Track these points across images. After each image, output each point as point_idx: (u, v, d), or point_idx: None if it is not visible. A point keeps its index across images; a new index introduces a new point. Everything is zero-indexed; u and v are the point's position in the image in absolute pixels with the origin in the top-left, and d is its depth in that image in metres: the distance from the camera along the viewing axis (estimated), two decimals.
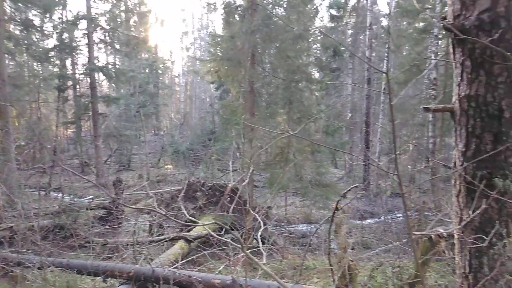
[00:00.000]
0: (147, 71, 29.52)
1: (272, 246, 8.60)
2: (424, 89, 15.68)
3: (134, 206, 8.17)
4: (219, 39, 9.59)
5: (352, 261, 6.33)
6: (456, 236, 2.52)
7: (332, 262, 5.15)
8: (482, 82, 1.97)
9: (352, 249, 10.70)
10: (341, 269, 6.00)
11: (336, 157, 23.70)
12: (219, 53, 9.56)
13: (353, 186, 3.26)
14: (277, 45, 8.74)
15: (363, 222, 13.62)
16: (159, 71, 32.94)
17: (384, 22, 20.40)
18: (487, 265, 2.27)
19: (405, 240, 8.71)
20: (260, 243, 4.51)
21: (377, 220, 13.99)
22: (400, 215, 14.01)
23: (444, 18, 2.10)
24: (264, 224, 9.37)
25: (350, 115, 21.66)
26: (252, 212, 8.54)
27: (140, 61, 27.85)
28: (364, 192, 17.78)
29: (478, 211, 2.11)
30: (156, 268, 5.00)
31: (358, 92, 19.74)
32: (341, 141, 14.11)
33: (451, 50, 2.12)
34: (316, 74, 17.73)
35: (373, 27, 16.64)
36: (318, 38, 15.78)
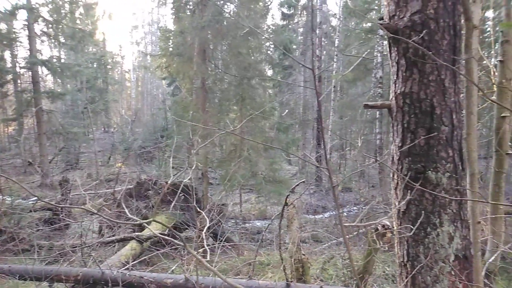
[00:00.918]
0: (95, 65, 28.31)
1: (226, 243, 8.60)
2: (372, 87, 16.37)
3: (78, 207, 7.78)
4: (169, 34, 9.38)
5: (304, 255, 6.50)
6: (395, 227, 2.65)
7: (283, 257, 5.25)
8: (415, 80, 2.07)
9: (305, 243, 11.00)
10: (294, 263, 6.14)
11: (290, 153, 24.03)
12: (170, 48, 9.35)
13: (301, 181, 3.32)
14: (229, 41, 8.71)
15: (316, 216, 13.95)
16: (108, 66, 31.72)
17: (334, 22, 21.07)
18: (423, 254, 2.39)
19: (355, 233, 9.04)
20: (212, 240, 4.50)
21: (329, 214, 14.39)
22: (351, 209, 14.53)
23: (382, 19, 2.19)
24: (219, 222, 9.38)
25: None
26: (206, 210, 8.50)
27: (87, 55, 26.67)
28: (316, 187, 18.24)
29: (403, 202, 2.22)
30: (106, 270, 4.86)
31: (310, 89, 20.20)
32: (293, 138, 14.35)
33: (387, 49, 2.21)
34: (269, 72, 17.95)
35: (323, 26, 17.12)
36: (271, 35, 15.96)
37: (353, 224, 3.04)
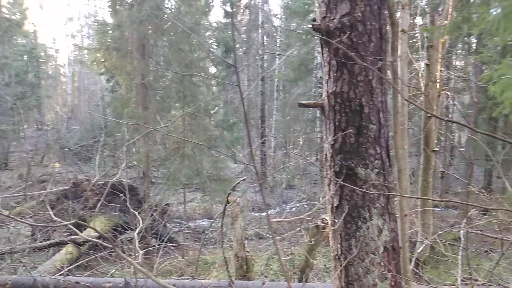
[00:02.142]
0: (25, 58, 26.28)
1: (169, 244, 8.41)
2: (313, 86, 16.87)
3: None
4: (106, 27, 8.94)
5: (248, 252, 6.53)
6: (329, 222, 2.74)
7: (228, 255, 5.24)
8: (345, 80, 2.15)
9: (251, 240, 11.07)
10: (239, 261, 6.15)
11: (236, 152, 24.11)
12: (107, 42, 8.92)
13: (241, 179, 3.32)
14: (170, 37, 8.49)
15: (261, 214, 14.09)
16: (40, 60, 29.58)
17: (276, 22, 21.40)
18: (355, 246, 2.49)
19: (298, 229, 9.24)
20: (156, 241, 4.37)
21: (274, 211, 14.59)
22: (295, 205, 14.83)
23: (315, 20, 2.24)
24: (162, 222, 9.12)
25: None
26: (147, 210, 8.24)
27: (15, 46, 24.66)
28: (262, 185, 18.39)
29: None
30: (38, 277, 4.55)
31: (254, 88, 20.36)
32: (237, 136, 14.40)
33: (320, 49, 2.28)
34: (212, 70, 17.82)
35: (265, 25, 17.36)
36: (215, 33, 15.88)
37: (279, 219, 3.05)
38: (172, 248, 8.73)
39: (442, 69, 5.45)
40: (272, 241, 10.09)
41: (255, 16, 18.28)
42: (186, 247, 9.41)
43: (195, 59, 9.16)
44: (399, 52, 5.31)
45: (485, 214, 9.29)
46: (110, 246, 1.79)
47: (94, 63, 9.19)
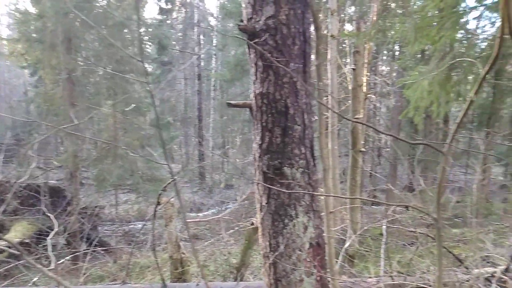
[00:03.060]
0: None
1: (100, 248, 8.00)
2: (249, 87, 16.94)
3: None
4: (28, 17, 8.23)
5: (184, 253, 6.40)
6: (259, 221, 2.77)
7: (163, 257, 5.10)
8: (271, 82, 2.20)
9: (188, 241, 10.88)
10: (174, 263, 6.00)
11: (173, 151, 23.67)
12: (29, 33, 8.22)
13: (172, 180, 3.22)
14: (99, 31, 8.03)
15: (199, 214, 13.95)
16: None
17: (212, 21, 21.20)
18: (282, 244, 2.55)
19: (237, 228, 9.25)
20: (86, 245, 4.12)
21: (212, 211, 14.51)
22: (232, 205, 14.86)
23: (242, 20, 2.26)
24: (93, 225, 8.63)
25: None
26: (74, 213, 7.76)
27: None
28: (199, 185, 18.22)
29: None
30: None
31: (191, 87, 20.04)
32: (171, 135, 14.07)
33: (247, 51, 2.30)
34: (147, 67, 17.19)
35: (201, 24, 17.18)
36: (149, 29, 15.33)
37: (196, 219, 3.01)
38: (103, 252, 8.33)
39: (368, 74, 5.81)
40: (210, 241, 10.05)
41: (191, 15, 18.00)
42: (120, 251, 9.04)
43: (127, 55, 8.76)
44: (328, 56, 5.58)
45: (408, 210, 10.04)
46: (22, 253, 1.65)
47: (14, 54, 8.42)
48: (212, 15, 20.58)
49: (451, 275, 4.74)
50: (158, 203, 4.14)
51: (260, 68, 2.21)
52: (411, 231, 5.48)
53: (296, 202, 2.46)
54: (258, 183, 2.57)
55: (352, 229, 7.45)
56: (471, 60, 1.84)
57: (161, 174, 12.23)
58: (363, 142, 6.59)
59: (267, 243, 2.64)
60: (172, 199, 5.79)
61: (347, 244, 5.72)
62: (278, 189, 2.33)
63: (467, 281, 4.36)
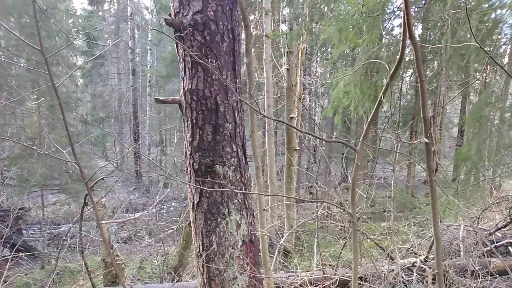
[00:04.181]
0: None
1: (24, 254, 7.43)
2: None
3: None
4: None
5: (118, 256, 6.14)
6: (191, 220, 2.73)
7: (87, 262, 4.82)
8: (200, 78, 2.16)
9: (125, 243, 10.46)
10: (106, 266, 5.72)
11: (107, 149, 22.66)
12: None
13: (99, 179, 3.07)
14: (18, 19, 7.36)
15: (136, 214, 13.50)
16: None
17: (147, 15, 20.47)
18: (216, 242, 2.53)
19: (176, 228, 9.07)
20: (9, 251, 3.74)
21: (151, 211, 14.10)
22: (172, 205, 14.56)
23: (170, 15, 2.19)
24: (17, 229, 7.93)
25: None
26: None
27: None
28: (136, 184, 17.62)
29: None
30: None
31: (125, 82, 19.20)
32: (104, 132, 13.40)
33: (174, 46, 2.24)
34: (78, 61, 16.17)
35: (135, 17, 16.51)
36: (80, 20, 14.42)
37: (110, 221, 2.96)
38: (27, 258, 7.74)
39: (302, 74, 5.98)
40: (147, 242, 9.75)
41: (124, 7, 17.19)
42: (48, 256, 8.45)
43: (53, 46, 8.14)
44: (264, 56, 5.64)
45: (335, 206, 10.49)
46: None
47: None
48: (146, 8, 19.87)
49: (379, 266, 5.06)
50: (85, 204, 3.93)
51: (189, 64, 2.16)
52: (342, 225, 5.76)
53: (228, 200, 2.46)
54: (190, 181, 2.53)
55: (289, 225, 7.65)
56: (381, 62, 1.96)
57: (93, 173, 11.56)
58: (297, 141, 6.79)
59: (200, 242, 2.61)
60: (103, 200, 5.52)
61: (282, 240, 5.86)
62: (210, 188, 2.30)
63: (392, 271, 4.68)
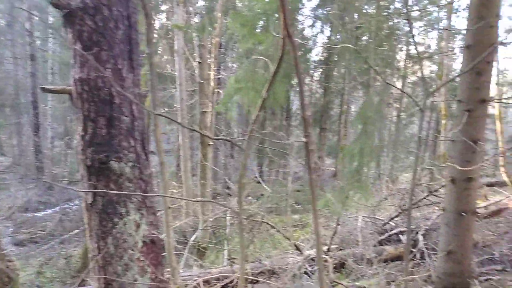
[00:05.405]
0: None
1: None
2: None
3: None
4: None
5: (11, 261, 5.52)
6: (85, 221, 2.52)
7: None
8: (92, 67, 1.97)
9: (23, 246, 9.57)
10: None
11: (3, 143, 20.42)
12: None
13: None
14: None
15: (36, 214, 12.44)
16: None
17: None
18: (113, 244, 2.37)
19: (82, 228, 8.57)
20: None
21: (54, 210, 13.10)
22: (78, 203, 13.67)
23: None
24: None
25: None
26: None
27: None
28: (37, 181, 16.11)
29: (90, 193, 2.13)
30: None
31: (23, 68, 17.27)
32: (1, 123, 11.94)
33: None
34: None
35: None
36: None
37: None
38: None
39: (215, 69, 5.92)
40: (50, 244, 9.11)
41: None
42: None
43: None
44: (175, 47, 5.47)
45: (258, 200, 10.77)
46: None
47: None
48: None
49: (287, 258, 5.27)
50: None
51: (79, 51, 1.96)
52: (253, 220, 5.87)
53: (126, 199, 2.31)
54: (83, 179, 2.33)
55: (202, 221, 7.60)
56: (265, 59, 2.00)
57: None
58: (211, 136, 6.73)
59: (96, 244, 2.43)
60: None
61: (193, 237, 5.77)
62: (105, 191, 2.13)
63: (297, 262, 4.90)
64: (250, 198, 12.06)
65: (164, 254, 2.92)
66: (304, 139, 1.04)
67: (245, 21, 1.91)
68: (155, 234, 2.63)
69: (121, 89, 2.02)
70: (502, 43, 3.01)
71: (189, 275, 4.69)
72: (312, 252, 5.36)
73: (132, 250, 2.42)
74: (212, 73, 5.63)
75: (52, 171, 16.95)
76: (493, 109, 8.66)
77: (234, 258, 5.19)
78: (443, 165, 7.72)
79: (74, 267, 7.42)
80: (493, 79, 7.24)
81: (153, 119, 2.56)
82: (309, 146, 1.06)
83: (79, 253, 7.54)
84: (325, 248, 5.37)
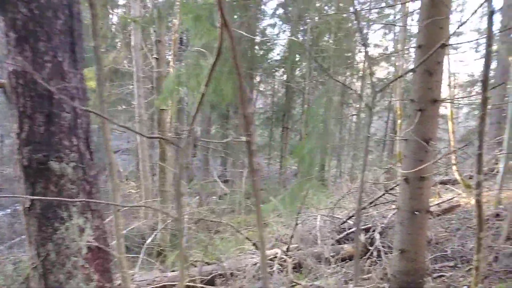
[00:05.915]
0: None
1: None
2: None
3: None
4: None
5: None
6: (25, 226, 2.34)
7: None
8: (28, 59, 1.80)
9: None
10: None
11: None
12: None
13: None
14: None
15: None
16: None
17: None
18: (54, 251, 2.20)
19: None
20: None
21: (4, 213, 12.40)
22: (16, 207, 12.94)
23: None
24: None
25: None
26: None
27: None
28: None
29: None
30: None
31: None
32: None
33: None
34: None
35: None
36: None
37: None
38: None
39: (174, 65, 5.75)
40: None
41: None
42: None
43: None
44: (132, 43, 5.27)
45: (220, 200, 10.65)
46: None
47: None
48: None
49: (246, 259, 5.19)
50: None
51: (13, 40, 1.78)
52: (213, 221, 5.77)
53: (69, 202, 2.15)
54: (20, 181, 2.14)
55: (162, 222, 7.38)
56: (203, 50, 1.93)
57: None
58: (170, 134, 6.54)
59: (35, 251, 2.24)
60: None
61: (150, 239, 5.57)
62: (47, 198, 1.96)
63: (256, 264, 4.84)
64: (214, 198, 11.92)
65: (113, 259, 2.77)
66: (245, 138, 0.98)
67: (194, 15, 1.81)
68: (101, 239, 2.49)
69: (63, 83, 1.86)
70: (444, 44, 3.08)
71: (144, 279, 4.51)
72: (271, 253, 5.32)
73: (76, 256, 2.27)
74: (171, 70, 5.47)
75: (2, 171, 15.97)
76: (445, 109, 9.04)
77: (196, 261, 5.05)
78: (398, 164, 7.96)
79: (23, 273, 6.99)
80: (445, 81, 7.55)
81: (102, 115, 2.41)
82: (251, 146, 0.99)
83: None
84: (284, 247, 5.35)
